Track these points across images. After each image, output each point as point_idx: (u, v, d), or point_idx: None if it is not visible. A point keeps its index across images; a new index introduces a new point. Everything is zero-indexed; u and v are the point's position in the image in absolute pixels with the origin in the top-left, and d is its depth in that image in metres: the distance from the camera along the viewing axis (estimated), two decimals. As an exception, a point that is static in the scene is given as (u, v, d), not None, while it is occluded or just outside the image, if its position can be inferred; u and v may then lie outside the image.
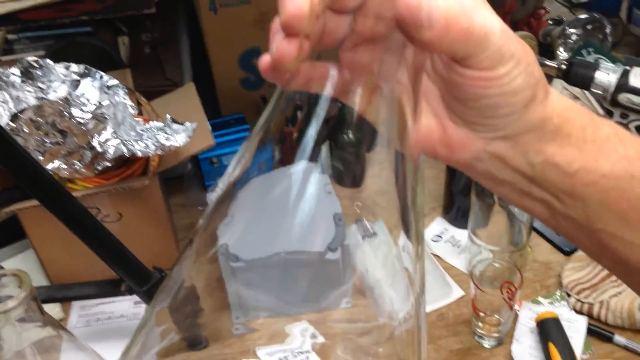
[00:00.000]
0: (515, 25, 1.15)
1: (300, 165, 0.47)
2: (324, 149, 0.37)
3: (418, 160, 0.28)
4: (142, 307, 0.78)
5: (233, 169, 0.37)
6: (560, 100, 0.28)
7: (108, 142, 0.62)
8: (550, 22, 1.19)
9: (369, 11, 0.25)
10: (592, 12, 1.11)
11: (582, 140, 0.28)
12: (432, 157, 0.30)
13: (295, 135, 0.62)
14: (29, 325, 0.63)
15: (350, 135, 0.64)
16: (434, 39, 0.23)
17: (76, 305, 0.78)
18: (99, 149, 0.62)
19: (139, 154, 0.63)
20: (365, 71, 0.26)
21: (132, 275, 0.66)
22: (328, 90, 0.27)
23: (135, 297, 0.79)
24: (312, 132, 0.32)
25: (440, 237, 0.84)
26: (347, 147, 0.67)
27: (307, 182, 0.48)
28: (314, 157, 0.36)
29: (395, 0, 0.23)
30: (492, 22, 0.25)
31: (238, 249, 0.72)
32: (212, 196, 0.38)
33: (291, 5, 0.23)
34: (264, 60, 0.26)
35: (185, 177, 0.96)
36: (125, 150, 0.62)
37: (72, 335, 0.66)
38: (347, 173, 0.63)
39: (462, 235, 0.83)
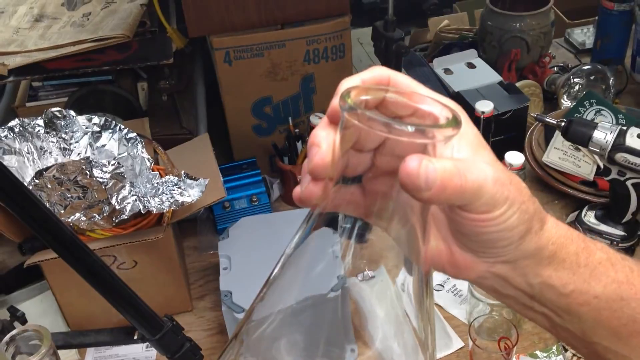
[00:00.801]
0: (520, 73, 1.18)
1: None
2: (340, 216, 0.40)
3: (429, 274, 0.32)
4: (154, 351, 0.81)
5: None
6: (556, 228, 0.32)
7: (125, 200, 0.66)
8: (555, 69, 1.22)
9: (386, 150, 0.29)
10: (595, 63, 1.14)
11: (576, 264, 0.32)
12: (442, 272, 0.33)
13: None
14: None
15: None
16: (433, 197, 0.27)
17: (91, 349, 0.82)
18: (117, 206, 0.66)
19: (154, 210, 0.67)
20: (385, 198, 0.30)
21: (145, 325, 0.69)
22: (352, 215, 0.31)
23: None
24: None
25: (442, 286, 0.87)
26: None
27: (319, 241, 0.51)
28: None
29: (403, 154, 0.26)
30: (485, 175, 0.28)
31: (243, 297, 0.75)
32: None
33: (317, 157, 0.28)
34: (296, 191, 0.30)
35: (198, 220, 1.00)
36: (141, 207, 0.66)
37: None
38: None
39: (463, 285, 0.85)
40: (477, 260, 0.31)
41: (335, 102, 0.28)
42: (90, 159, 0.64)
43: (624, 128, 0.80)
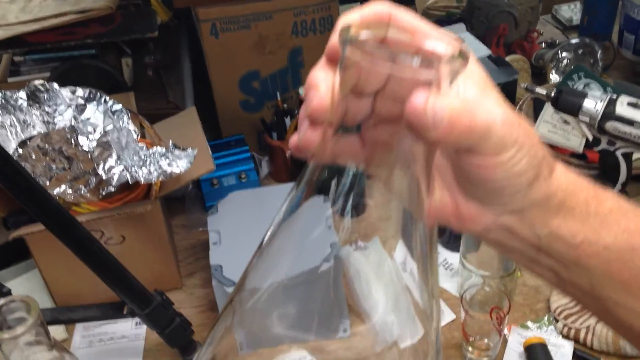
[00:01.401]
0: (508, 49, 1.18)
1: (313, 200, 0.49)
2: (333, 184, 0.39)
3: (433, 229, 0.30)
4: (143, 328, 0.80)
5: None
6: (565, 175, 0.30)
7: (112, 169, 0.65)
8: (543, 45, 1.22)
9: (387, 93, 0.27)
10: (583, 37, 1.14)
11: (586, 213, 0.30)
12: (446, 225, 0.32)
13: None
14: (35, 349, 0.66)
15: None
16: (440, 137, 0.25)
17: (79, 326, 0.81)
18: (103, 175, 0.65)
19: (142, 180, 0.65)
20: (386, 147, 0.28)
21: (134, 299, 0.68)
22: (352, 164, 0.29)
23: (137, 318, 0.82)
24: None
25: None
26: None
27: (310, 211, 0.50)
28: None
29: (406, 96, 0.25)
30: (494, 114, 0.27)
31: (234, 271, 0.75)
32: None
33: (315, 100, 0.27)
34: (293, 140, 0.29)
35: (187, 198, 0.98)
36: (128, 177, 0.65)
37: (74, 357, 0.68)
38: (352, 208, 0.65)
39: (454, 258, 0.85)
40: (483, 211, 0.30)
41: (334, 38, 0.27)
42: (75, 127, 0.63)
43: (614, 97, 0.80)
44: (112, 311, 0.70)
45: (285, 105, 0.97)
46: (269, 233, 0.46)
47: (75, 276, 0.76)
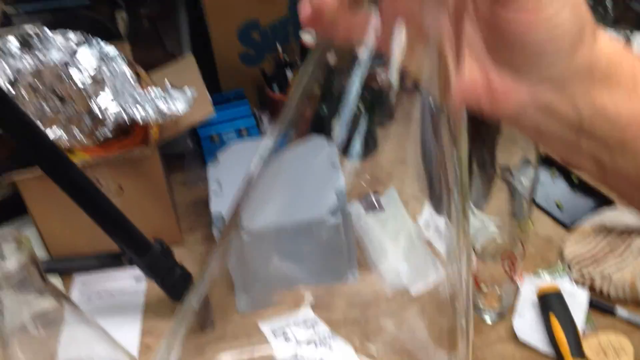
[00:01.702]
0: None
1: (313, 141, 0.46)
2: (335, 122, 0.36)
3: (461, 114, 0.27)
4: (143, 284, 0.78)
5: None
6: (610, 43, 0.27)
7: (108, 109, 0.62)
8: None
9: None
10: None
11: (633, 88, 0.27)
12: (476, 110, 0.29)
13: (309, 118, 0.61)
14: (30, 294, 0.62)
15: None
16: None
17: (78, 281, 0.78)
18: (98, 114, 0.61)
19: (139, 120, 0.62)
20: (406, 17, 0.25)
21: (133, 246, 0.66)
22: (370, 39, 0.26)
23: (136, 273, 0.79)
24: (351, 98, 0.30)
25: (428, 224, 0.84)
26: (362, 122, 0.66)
27: (315, 155, 0.46)
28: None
29: None
30: None
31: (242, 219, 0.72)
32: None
33: None
34: (305, 7, 0.25)
35: (186, 154, 0.95)
36: (125, 116, 0.62)
37: (75, 307, 0.65)
38: (359, 145, 0.61)
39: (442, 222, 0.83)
40: (518, 84, 0.27)
41: None
42: (68, 62, 0.59)
43: (629, 35, 0.77)
44: (111, 260, 0.67)
45: (286, 57, 0.94)
46: (260, 160, 0.42)
47: (72, 228, 0.73)
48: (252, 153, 0.85)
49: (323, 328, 0.69)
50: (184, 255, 0.84)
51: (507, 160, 0.77)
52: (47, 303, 0.65)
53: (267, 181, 0.59)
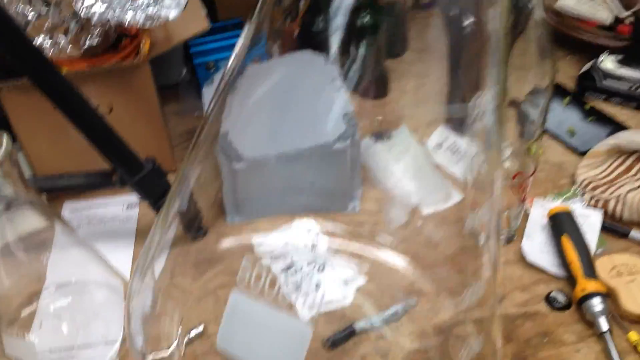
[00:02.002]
0: None
1: (305, 56, 0.42)
2: (334, 40, 0.33)
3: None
4: (135, 211, 0.75)
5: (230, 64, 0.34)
6: None
7: (95, 13, 0.58)
8: None
9: None
10: None
11: None
12: None
13: (296, 32, 0.57)
14: (16, 211, 0.59)
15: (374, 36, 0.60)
16: None
17: (67, 207, 0.75)
18: (82, 14, 0.58)
19: (126, 23, 0.58)
20: None
21: (124, 164, 0.62)
22: None
23: (128, 200, 0.76)
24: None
25: (440, 145, 0.80)
26: (369, 49, 0.62)
27: (313, 73, 0.43)
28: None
29: None
30: None
31: (239, 146, 0.68)
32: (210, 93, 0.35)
33: None
34: None
35: (180, 84, 0.92)
36: (112, 20, 0.58)
37: (66, 225, 0.61)
38: (369, 82, 0.57)
39: (461, 143, 0.79)
40: None
41: None
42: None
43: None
44: (100, 179, 0.64)
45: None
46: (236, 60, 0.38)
47: (59, 147, 0.70)
48: (258, 72, 0.81)
49: (322, 244, 0.66)
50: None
51: (519, 88, 0.73)
52: (35, 222, 0.62)
53: (260, 101, 0.55)
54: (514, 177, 0.64)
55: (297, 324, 0.28)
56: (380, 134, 0.70)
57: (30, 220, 0.60)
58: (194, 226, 0.71)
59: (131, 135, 0.71)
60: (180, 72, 0.89)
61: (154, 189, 0.64)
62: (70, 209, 0.75)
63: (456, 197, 0.72)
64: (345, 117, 0.65)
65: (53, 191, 0.63)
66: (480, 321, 0.46)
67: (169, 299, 0.57)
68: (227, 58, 0.91)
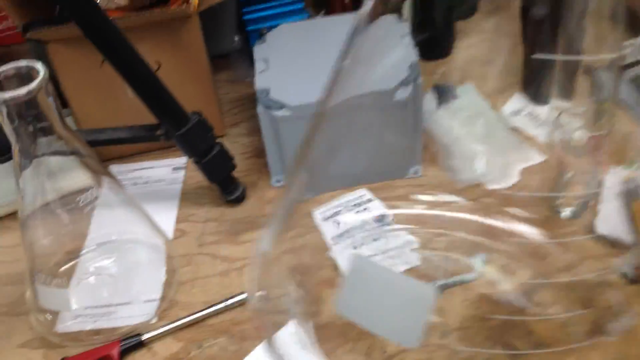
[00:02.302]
0: None
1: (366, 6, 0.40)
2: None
3: None
4: (182, 173, 0.72)
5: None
6: None
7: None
8: None
9: None
10: None
11: None
12: None
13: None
14: (61, 166, 0.57)
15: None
16: None
17: (111, 170, 0.73)
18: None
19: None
20: None
21: (169, 115, 0.60)
22: None
23: (175, 162, 0.74)
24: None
25: (518, 112, 0.75)
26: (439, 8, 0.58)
27: (382, 30, 0.41)
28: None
29: None
30: None
31: (282, 95, 0.66)
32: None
33: None
34: None
35: (232, 53, 0.90)
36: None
37: (112, 180, 0.59)
38: (436, 42, 0.54)
39: (542, 110, 0.74)
40: None
41: None
42: None
43: None
44: (144, 132, 0.62)
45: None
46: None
47: (105, 104, 0.68)
48: (304, 33, 0.77)
49: (380, 212, 0.62)
50: (228, 147, 0.78)
51: (593, 56, 0.68)
52: (80, 179, 0.60)
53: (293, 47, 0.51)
54: (589, 141, 0.58)
55: (420, 286, 0.27)
56: (444, 92, 0.65)
57: (75, 178, 0.58)
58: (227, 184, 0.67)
59: (179, 95, 0.69)
60: (233, 40, 0.86)
61: (199, 143, 0.62)
62: (114, 171, 0.73)
63: (537, 158, 0.67)
64: (410, 66, 0.61)
65: (96, 145, 0.61)
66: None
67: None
68: (280, 25, 0.89)
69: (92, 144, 0.66)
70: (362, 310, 0.30)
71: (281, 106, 0.62)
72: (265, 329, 0.41)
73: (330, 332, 0.46)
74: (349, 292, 0.31)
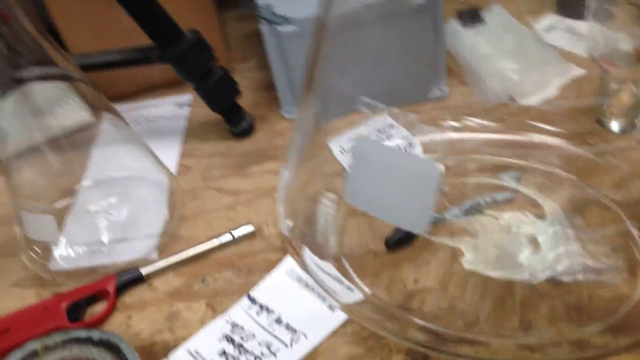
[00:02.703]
0: None
1: None
2: None
3: None
4: (186, 109, 0.67)
5: None
6: None
7: None
8: None
9: None
10: None
11: None
12: None
13: None
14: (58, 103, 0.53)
15: None
16: None
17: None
18: None
19: None
20: None
21: (163, 34, 0.54)
22: None
23: (178, 99, 0.68)
24: None
25: (554, 27, 0.68)
26: None
27: None
28: None
29: None
30: None
31: (286, 9, 0.59)
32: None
33: None
34: None
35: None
36: None
37: (112, 113, 0.54)
38: None
39: (581, 25, 0.66)
40: None
41: None
42: None
43: None
44: (138, 54, 0.56)
45: None
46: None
47: (94, 27, 0.63)
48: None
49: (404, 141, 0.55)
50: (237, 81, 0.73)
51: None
52: (79, 116, 0.55)
53: None
54: (636, 49, 0.51)
55: (424, 162, 0.27)
56: (470, 18, 0.58)
57: (74, 114, 0.53)
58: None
59: (178, 19, 0.62)
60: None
61: (197, 65, 0.56)
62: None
63: (578, 71, 0.60)
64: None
65: (87, 70, 0.56)
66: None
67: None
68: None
69: (83, 68, 0.61)
70: (369, 196, 0.27)
71: (286, 21, 0.55)
72: (298, 254, 0.38)
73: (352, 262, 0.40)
74: (355, 179, 0.27)
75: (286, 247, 0.48)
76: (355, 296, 0.37)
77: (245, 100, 0.63)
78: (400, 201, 0.26)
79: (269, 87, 0.65)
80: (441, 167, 0.28)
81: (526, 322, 0.36)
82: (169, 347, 0.42)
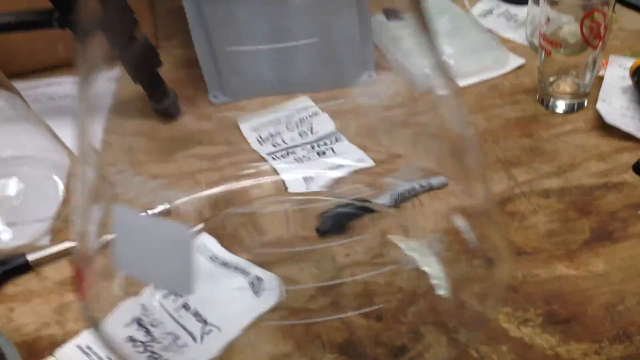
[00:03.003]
0: None
1: None
2: None
3: None
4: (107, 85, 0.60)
5: None
6: None
7: None
8: None
9: None
10: None
11: None
12: None
13: None
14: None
15: None
16: None
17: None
18: None
19: None
20: None
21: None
22: None
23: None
24: None
25: (490, 11, 0.65)
26: None
27: None
28: None
29: None
30: None
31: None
32: None
33: None
34: None
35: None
36: None
37: (11, 92, 0.48)
38: None
39: (518, 10, 0.64)
40: None
41: None
42: None
43: None
44: (35, 17, 0.49)
45: None
46: None
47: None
48: None
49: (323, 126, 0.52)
50: (163, 59, 0.68)
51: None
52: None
53: None
54: (584, 17, 0.48)
55: (177, 227, 0.25)
56: (395, 13, 0.55)
57: None
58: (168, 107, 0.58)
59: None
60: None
61: (115, 32, 0.49)
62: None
63: (516, 61, 0.57)
64: None
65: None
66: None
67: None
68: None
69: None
70: (137, 264, 0.26)
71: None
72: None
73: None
74: (120, 248, 0.26)
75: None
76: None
77: (171, 76, 0.58)
78: (163, 267, 0.25)
79: (194, 65, 0.60)
80: (190, 232, 0.30)
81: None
82: (56, 343, 0.36)
